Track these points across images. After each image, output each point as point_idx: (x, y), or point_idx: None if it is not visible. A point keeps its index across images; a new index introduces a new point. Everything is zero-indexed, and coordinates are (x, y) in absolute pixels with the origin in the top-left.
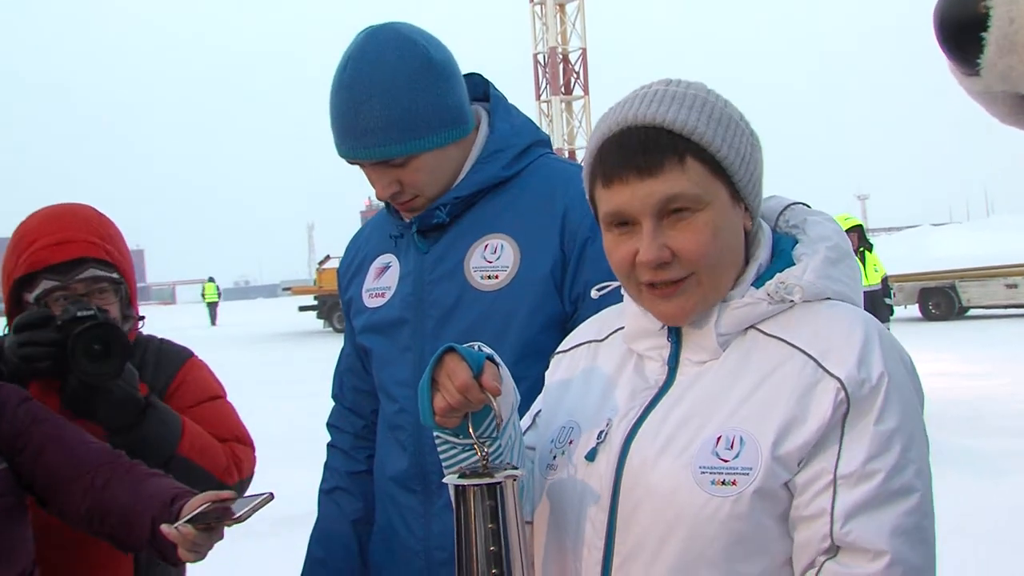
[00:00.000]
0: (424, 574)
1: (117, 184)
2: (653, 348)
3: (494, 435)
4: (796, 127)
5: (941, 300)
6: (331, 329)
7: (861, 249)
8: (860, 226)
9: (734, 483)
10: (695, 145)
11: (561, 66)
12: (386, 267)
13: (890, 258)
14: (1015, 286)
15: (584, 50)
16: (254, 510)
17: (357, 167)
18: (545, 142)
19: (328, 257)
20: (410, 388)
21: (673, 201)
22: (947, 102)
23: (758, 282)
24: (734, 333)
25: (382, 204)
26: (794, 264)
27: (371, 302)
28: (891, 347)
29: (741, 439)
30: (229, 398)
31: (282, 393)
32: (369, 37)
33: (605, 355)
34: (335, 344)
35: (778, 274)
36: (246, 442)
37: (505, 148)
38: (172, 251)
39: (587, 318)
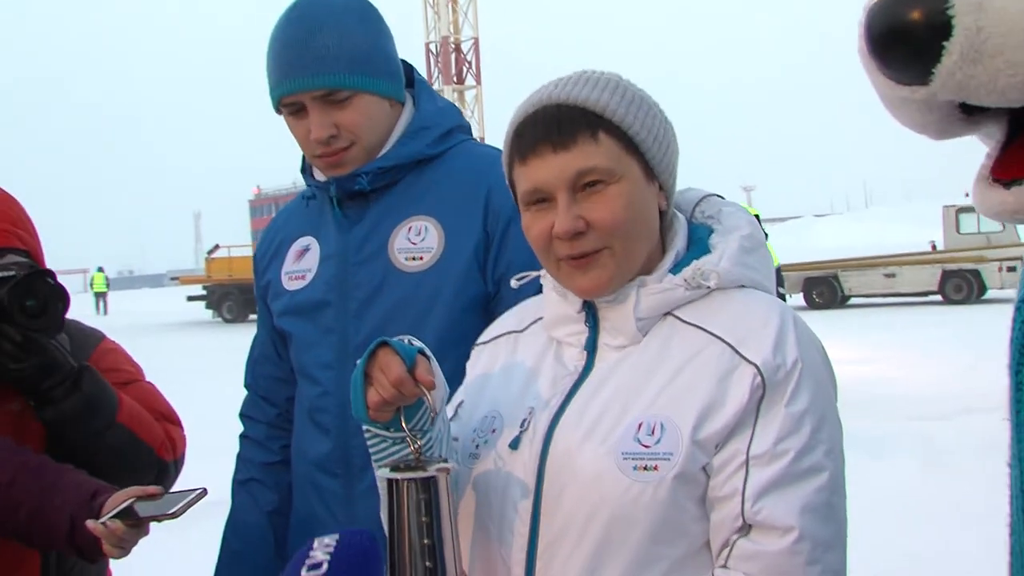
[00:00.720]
0: None
1: None
2: (571, 334)
3: (425, 428)
4: (683, 118)
5: (824, 289)
6: (220, 319)
7: None
8: (757, 216)
9: (656, 468)
10: (607, 122)
11: (453, 56)
12: (305, 249)
13: (775, 248)
14: (893, 275)
15: (476, 40)
16: (188, 506)
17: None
18: (466, 128)
19: (217, 246)
20: (333, 370)
21: (587, 174)
22: (830, 96)
23: (675, 269)
24: (652, 319)
25: (271, 192)
26: (710, 252)
27: (291, 284)
28: (805, 333)
29: (662, 425)
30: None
31: (183, 381)
32: None
33: (525, 345)
34: (226, 334)
35: (695, 261)
36: (175, 421)
37: (430, 127)
38: (51, 240)
39: (508, 299)
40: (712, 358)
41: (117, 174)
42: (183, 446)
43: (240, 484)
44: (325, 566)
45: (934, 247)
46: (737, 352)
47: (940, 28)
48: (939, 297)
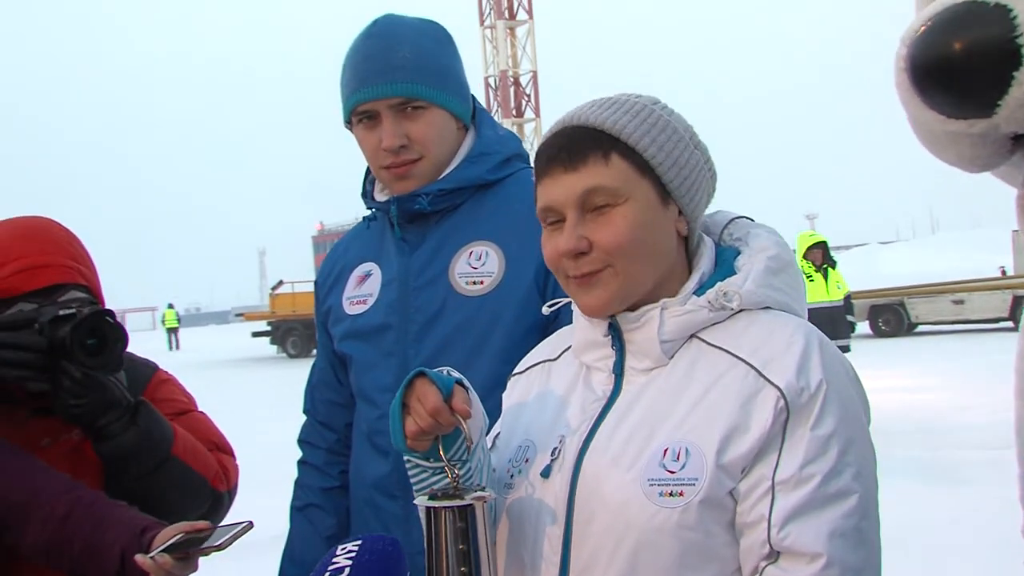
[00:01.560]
0: None
1: (64, 209)
2: (599, 359)
3: (464, 458)
4: (746, 147)
5: (891, 317)
6: (284, 355)
7: (824, 266)
8: (824, 243)
9: (681, 494)
10: (621, 143)
11: (512, 89)
12: (367, 275)
13: (844, 276)
14: (961, 302)
15: (535, 73)
16: (235, 538)
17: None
18: (525, 157)
19: (281, 282)
20: (392, 393)
21: (594, 194)
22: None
23: (700, 291)
24: (678, 341)
25: (334, 228)
26: (736, 274)
27: (352, 309)
28: (831, 355)
29: (687, 450)
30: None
31: (249, 415)
32: (390, 12)
33: (558, 373)
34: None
35: (719, 283)
36: (228, 451)
37: (491, 153)
38: (121, 279)
39: (566, 325)
40: (736, 381)
41: (184, 213)
42: (236, 476)
43: (298, 510)
44: (347, 571)
45: (1004, 272)
46: (761, 375)
47: (1010, 57)
48: (1010, 323)
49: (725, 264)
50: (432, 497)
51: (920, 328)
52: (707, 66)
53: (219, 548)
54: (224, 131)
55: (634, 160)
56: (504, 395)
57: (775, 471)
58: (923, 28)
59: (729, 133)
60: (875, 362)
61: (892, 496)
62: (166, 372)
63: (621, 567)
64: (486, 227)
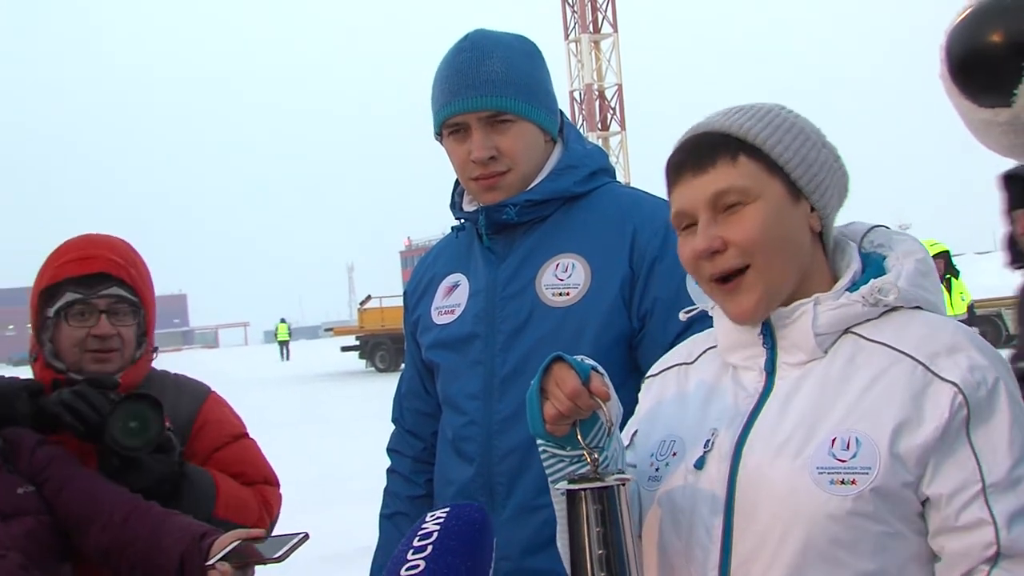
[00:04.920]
0: None
1: (159, 229)
2: (749, 357)
3: (602, 444)
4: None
5: (988, 328)
6: (373, 369)
7: (947, 276)
8: (947, 252)
9: (853, 482)
10: (748, 145)
11: (597, 103)
12: (455, 286)
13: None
14: None
15: (620, 86)
16: (292, 550)
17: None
18: (611, 171)
19: (369, 297)
20: (478, 400)
21: (724, 195)
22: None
23: (851, 288)
24: (831, 335)
25: (421, 243)
26: (886, 274)
27: (440, 319)
28: (993, 352)
29: (857, 440)
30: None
31: (341, 429)
32: (481, 28)
33: (697, 374)
34: (380, 382)
35: (873, 279)
36: (273, 482)
37: (578, 166)
38: (214, 295)
39: (653, 334)
40: (903, 375)
41: (276, 233)
42: (278, 506)
43: (386, 518)
44: (435, 535)
45: None
46: (930, 370)
47: (1022, 49)
48: None
49: (874, 265)
50: (571, 481)
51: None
52: (792, 72)
53: (277, 560)
54: (313, 148)
55: (762, 160)
56: (640, 395)
57: (981, 472)
58: (960, 19)
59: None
60: None
61: None
62: (218, 395)
63: (790, 555)
64: (573, 239)
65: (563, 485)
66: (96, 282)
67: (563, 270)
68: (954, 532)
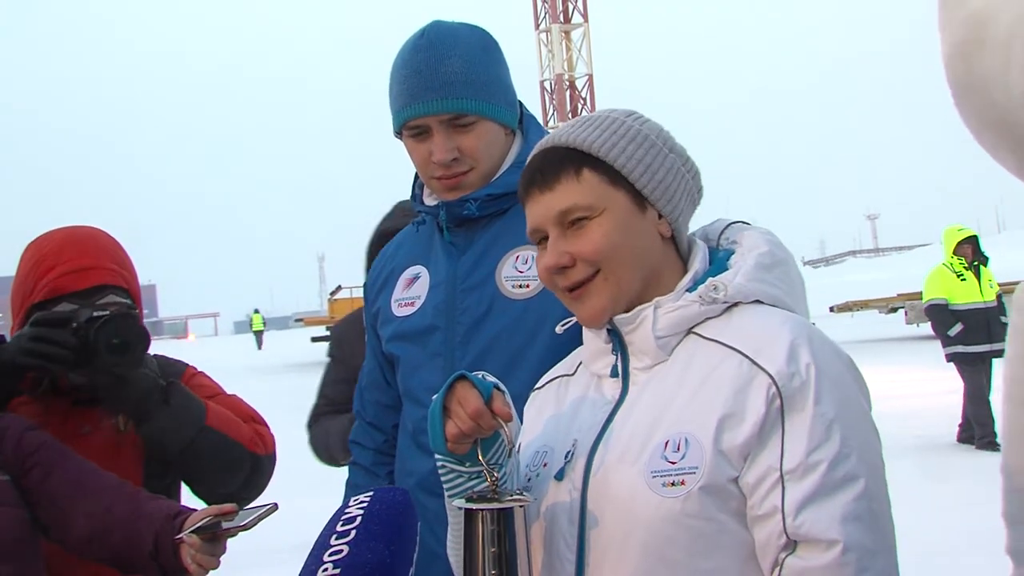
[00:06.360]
0: None
1: (128, 219)
2: (606, 365)
3: (501, 462)
4: (804, 148)
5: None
6: None
7: (976, 263)
8: (975, 237)
9: (682, 483)
10: (592, 158)
11: (568, 92)
12: (415, 278)
13: (903, 277)
14: None
15: (590, 76)
16: (259, 519)
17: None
18: None
19: (339, 287)
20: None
21: (569, 212)
22: (953, 119)
23: (692, 288)
24: (674, 336)
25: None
26: (728, 270)
27: (400, 311)
28: (822, 343)
29: (686, 440)
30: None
31: (304, 421)
32: (437, 20)
33: (574, 386)
34: None
35: (710, 278)
36: (261, 422)
37: None
38: (182, 286)
39: None
40: (730, 370)
41: (244, 223)
42: (273, 443)
43: None
44: (359, 519)
45: None
46: (754, 363)
47: None
48: None
49: (718, 263)
50: (469, 500)
51: None
52: (764, 62)
53: (245, 528)
54: (281, 137)
55: (605, 172)
56: (525, 408)
57: (781, 461)
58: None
59: (787, 134)
60: (942, 362)
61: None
62: (195, 368)
63: (633, 560)
64: None
65: (460, 503)
66: (94, 293)
67: (523, 262)
68: (757, 521)
